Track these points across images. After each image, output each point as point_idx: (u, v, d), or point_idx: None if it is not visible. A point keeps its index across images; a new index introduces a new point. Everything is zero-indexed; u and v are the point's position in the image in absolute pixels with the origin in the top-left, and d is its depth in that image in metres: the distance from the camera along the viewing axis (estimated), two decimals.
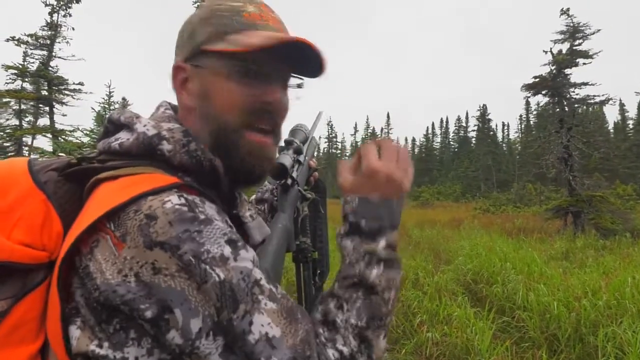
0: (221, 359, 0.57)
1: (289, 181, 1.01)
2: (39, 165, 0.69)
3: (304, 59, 0.73)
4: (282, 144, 1.06)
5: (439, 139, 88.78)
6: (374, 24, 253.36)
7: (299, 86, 0.80)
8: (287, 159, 0.98)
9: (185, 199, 0.60)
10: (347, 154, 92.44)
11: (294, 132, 1.16)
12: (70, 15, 21.86)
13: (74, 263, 0.60)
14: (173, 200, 0.59)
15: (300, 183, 1.08)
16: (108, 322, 0.57)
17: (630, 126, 59.66)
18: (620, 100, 62.22)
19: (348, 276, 0.73)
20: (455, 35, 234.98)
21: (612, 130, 63.00)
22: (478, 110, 71.47)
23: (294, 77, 0.79)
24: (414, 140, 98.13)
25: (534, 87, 16.97)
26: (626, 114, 62.99)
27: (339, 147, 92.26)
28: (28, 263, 0.61)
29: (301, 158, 1.10)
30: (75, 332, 0.58)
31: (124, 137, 0.69)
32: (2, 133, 21.29)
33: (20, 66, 21.29)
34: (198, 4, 20.55)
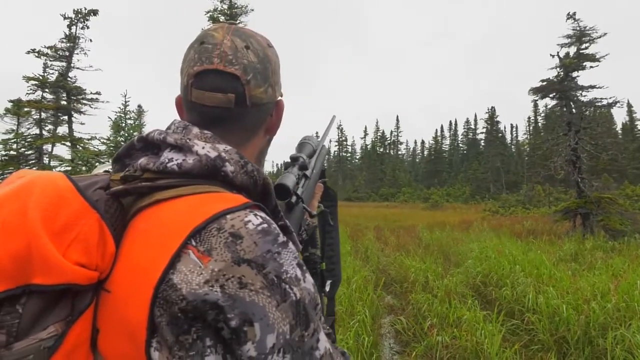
0: None
1: (293, 199, 1.00)
2: (84, 183, 0.68)
3: None
4: (287, 159, 1.07)
5: (448, 142, 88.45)
6: (385, 30, 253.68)
7: None
8: (289, 179, 0.97)
9: (262, 218, 0.64)
10: (357, 157, 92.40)
11: (301, 146, 1.14)
12: (87, 28, 22.47)
13: None
14: (253, 220, 0.63)
15: (306, 198, 1.07)
16: (188, 332, 0.58)
17: (639, 127, 59.08)
18: (628, 101, 61.62)
19: None
20: (467, 42, 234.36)
21: (620, 132, 62.34)
22: (486, 112, 71.14)
23: None
24: (423, 142, 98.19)
25: (541, 91, 16.86)
26: (634, 115, 62.22)
27: (349, 150, 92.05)
28: (83, 284, 0.61)
29: (308, 172, 1.09)
30: (154, 354, 0.58)
31: (178, 157, 0.70)
32: (23, 142, 21.81)
33: (41, 77, 21.87)
34: (210, 14, 20.75)
